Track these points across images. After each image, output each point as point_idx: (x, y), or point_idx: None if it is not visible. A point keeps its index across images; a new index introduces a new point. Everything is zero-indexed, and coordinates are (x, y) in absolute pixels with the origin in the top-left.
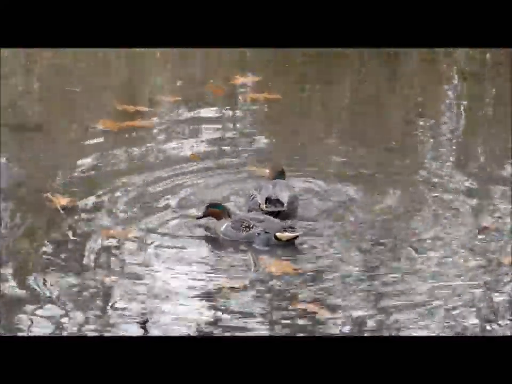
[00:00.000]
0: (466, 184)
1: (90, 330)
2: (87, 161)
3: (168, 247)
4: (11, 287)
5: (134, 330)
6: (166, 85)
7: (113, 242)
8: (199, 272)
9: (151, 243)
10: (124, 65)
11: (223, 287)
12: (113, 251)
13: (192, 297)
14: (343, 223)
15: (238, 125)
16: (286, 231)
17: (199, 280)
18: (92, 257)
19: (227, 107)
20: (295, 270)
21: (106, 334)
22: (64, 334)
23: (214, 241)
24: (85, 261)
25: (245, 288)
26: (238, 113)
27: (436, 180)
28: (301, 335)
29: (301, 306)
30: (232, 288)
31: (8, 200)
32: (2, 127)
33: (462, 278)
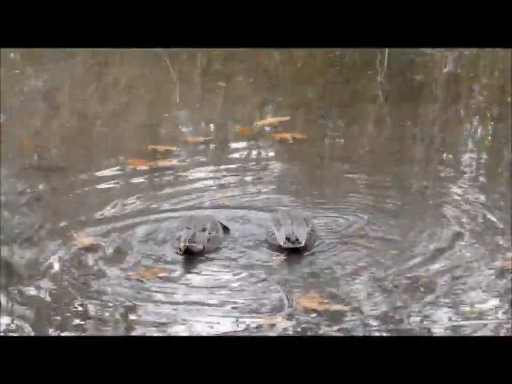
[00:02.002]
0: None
1: None
2: (114, 201)
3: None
4: None
5: None
6: (192, 125)
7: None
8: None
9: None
10: (149, 105)
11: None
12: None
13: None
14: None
15: (263, 163)
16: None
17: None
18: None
19: (254, 147)
20: (325, 306)
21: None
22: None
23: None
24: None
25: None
26: (265, 153)
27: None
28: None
29: None
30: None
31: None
32: (30, 169)
33: None
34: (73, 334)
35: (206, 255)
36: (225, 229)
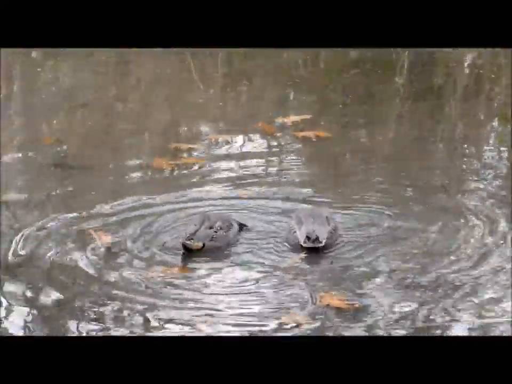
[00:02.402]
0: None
1: None
2: (134, 198)
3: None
4: None
5: None
6: (214, 123)
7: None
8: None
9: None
10: (171, 103)
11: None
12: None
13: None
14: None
15: (285, 161)
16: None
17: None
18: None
19: (275, 144)
20: (349, 304)
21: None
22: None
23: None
24: None
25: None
26: (286, 150)
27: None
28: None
29: None
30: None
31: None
32: (48, 166)
33: None
34: (74, 334)
35: (223, 253)
36: (243, 227)
